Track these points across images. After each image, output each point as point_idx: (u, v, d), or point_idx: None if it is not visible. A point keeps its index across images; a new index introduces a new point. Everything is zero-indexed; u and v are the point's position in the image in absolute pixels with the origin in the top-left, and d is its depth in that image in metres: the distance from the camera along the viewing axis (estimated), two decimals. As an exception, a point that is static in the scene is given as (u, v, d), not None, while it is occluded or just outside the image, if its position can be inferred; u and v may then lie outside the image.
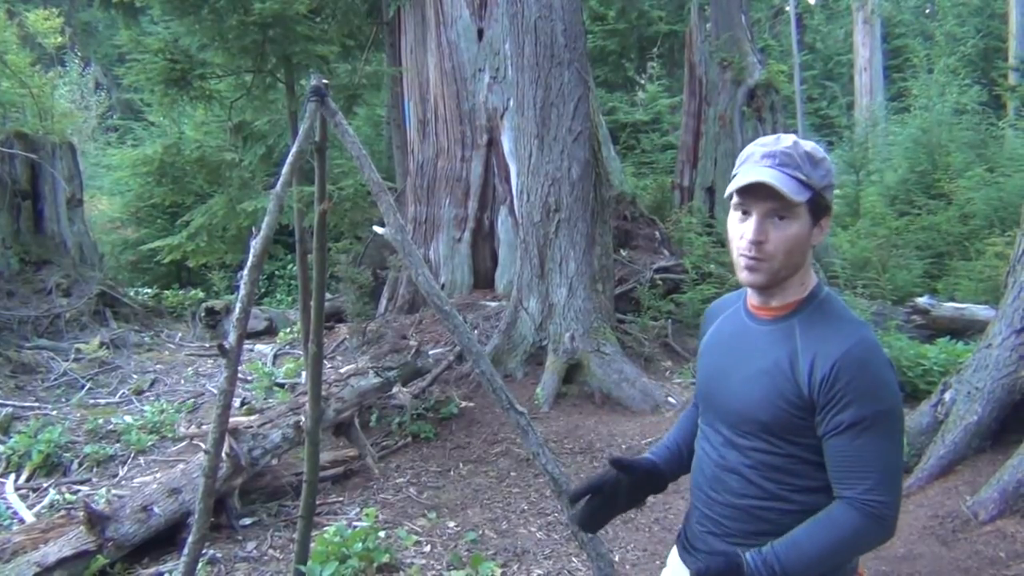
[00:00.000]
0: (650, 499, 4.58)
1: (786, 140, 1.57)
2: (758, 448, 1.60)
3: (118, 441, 5.88)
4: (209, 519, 2.81)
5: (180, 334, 9.75)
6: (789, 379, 1.54)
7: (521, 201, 7.12)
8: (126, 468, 5.52)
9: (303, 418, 4.20)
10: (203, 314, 9.68)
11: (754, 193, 1.54)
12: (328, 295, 8.30)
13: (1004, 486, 3.76)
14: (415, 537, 4.09)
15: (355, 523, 4.20)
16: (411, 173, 9.36)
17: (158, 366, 8.18)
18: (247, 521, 4.34)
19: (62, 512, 4.38)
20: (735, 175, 1.59)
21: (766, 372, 1.58)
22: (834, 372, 1.48)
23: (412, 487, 4.90)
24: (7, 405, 6.50)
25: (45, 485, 5.20)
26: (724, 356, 1.72)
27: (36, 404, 6.77)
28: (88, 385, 7.36)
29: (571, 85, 6.61)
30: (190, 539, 2.75)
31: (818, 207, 1.55)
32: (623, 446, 5.34)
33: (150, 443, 5.87)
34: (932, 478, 4.20)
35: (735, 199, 1.58)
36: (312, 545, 3.41)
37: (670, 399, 6.08)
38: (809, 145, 1.57)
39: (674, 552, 1.86)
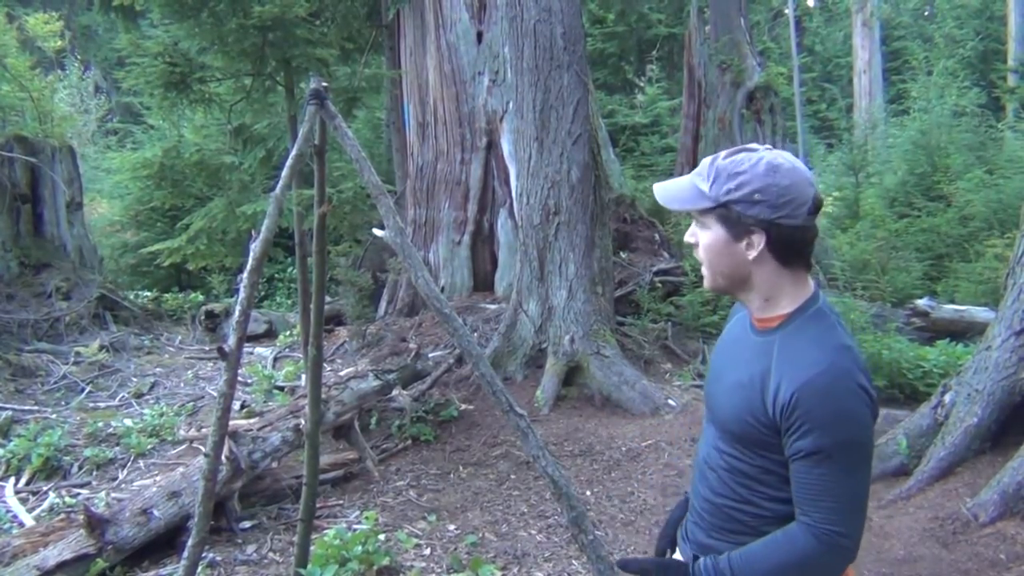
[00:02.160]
0: (649, 501, 4.57)
1: (724, 152, 1.60)
2: (732, 455, 1.63)
3: (118, 444, 5.88)
4: (209, 522, 2.81)
5: (180, 337, 9.75)
6: (758, 397, 1.53)
7: (520, 204, 7.12)
8: (126, 471, 5.52)
9: (303, 421, 4.21)
10: (203, 317, 9.68)
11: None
12: (328, 298, 8.29)
13: (1004, 488, 3.77)
14: (415, 540, 4.09)
15: (355, 526, 4.20)
16: (410, 176, 9.37)
17: (158, 369, 8.19)
18: (247, 524, 4.34)
19: (62, 515, 4.37)
20: None
21: (743, 386, 1.58)
22: (794, 399, 1.45)
23: (412, 490, 4.89)
24: (7, 408, 6.50)
25: (45, 488, 5.20)
26: (723, 360, 1.74)
27: (36, 407, 6.77)
28: (88, 388, 7.36)
29: (570, 88, 6.61)
30: (190, 542, 2.75)
31: (730, 221, 1.54)
32: (623, 448, 5.34)
33: (150, 446, 5.87)
34: (932, 480, 4.20)
35: None
36: (312, 548, 3.41)
37: (670, 401, 6.08)
38: (733, 158, 1.55)
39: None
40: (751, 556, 1.55)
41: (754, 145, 1.58)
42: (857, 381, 1.46)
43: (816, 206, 1.52)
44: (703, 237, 1.59)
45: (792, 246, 1.53)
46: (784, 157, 1.54)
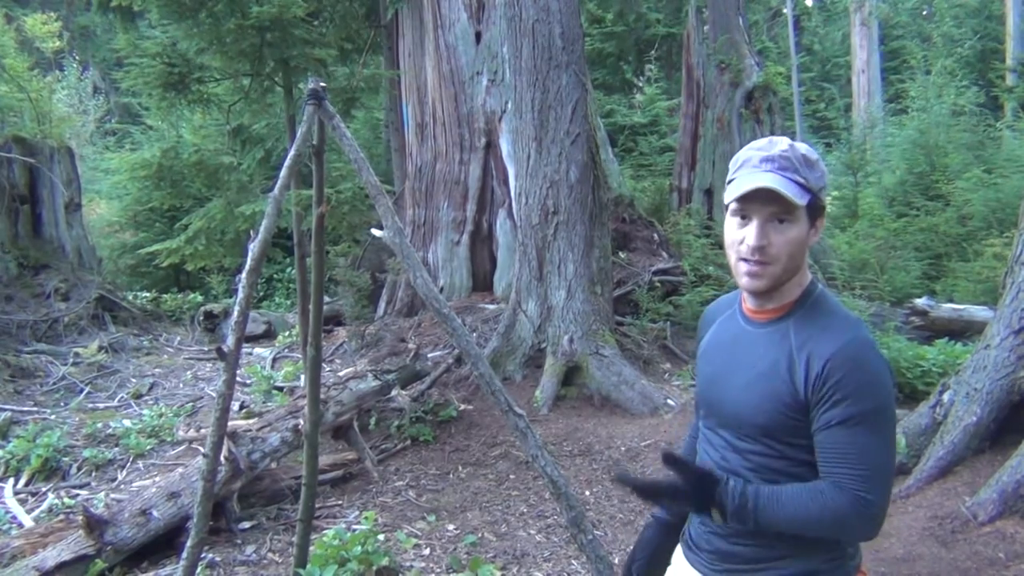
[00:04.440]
0: (649, 501, 4.54)
1: (781, 143, 1.56)
2: (758, 451, 1.60)
3: (117, 445, 5.88)
4: (208, 523, 2.81)
5: (179, 338, 9.75)
6: (786, 381, 1.54)
7: (519, 204, 7.12)
8: (125, 472, 5.52)
9: (302, 421, 4.21)
10: (202, 318, 9.68)
11: (756, 198, 1.53)
12: (327, 298, 8.29)
13: (1003, 487, 3.76)
14: (414, 540, 4.09)
15: (354, 526, 4.20)
16: (409, 176, 9.37)
17: (157, 370, 8.18)
18: (246, 525, 4.34)
19: (61, 516, 4.38)
20: (732, 180, 1.59)
21: (764, 376, 1.58)
22: (826, 370, 1.48)
23: (411, 490, 4.89)
24: (6, 409, 6.50)
25: (44, 489, 5.20)
26: (723, 361, 1.72)
27: (35, 408, 6.77)
28: (87, 389, 7.35)
29: (569, 88, 6.61)
30: (189, 543, 2.75)
31: (814, 208, 1.56)
32: (622, 448, 5.34)
33: (149, 447, 5.87)
34: (931, 479, 4.20)
35: (734, 205, 1.58)
36: (311, 548, 3.41)
37: (669, 401, 6.08)
38: (803, 147, 1.57)
39: (679, 551, 1.87)
40: (778, 496, 1.53)
41: (759, 141, 1.60)
42: (878, 349, 1.53)
43: None
44: (787, 232, 1.54)
45: None
46: None
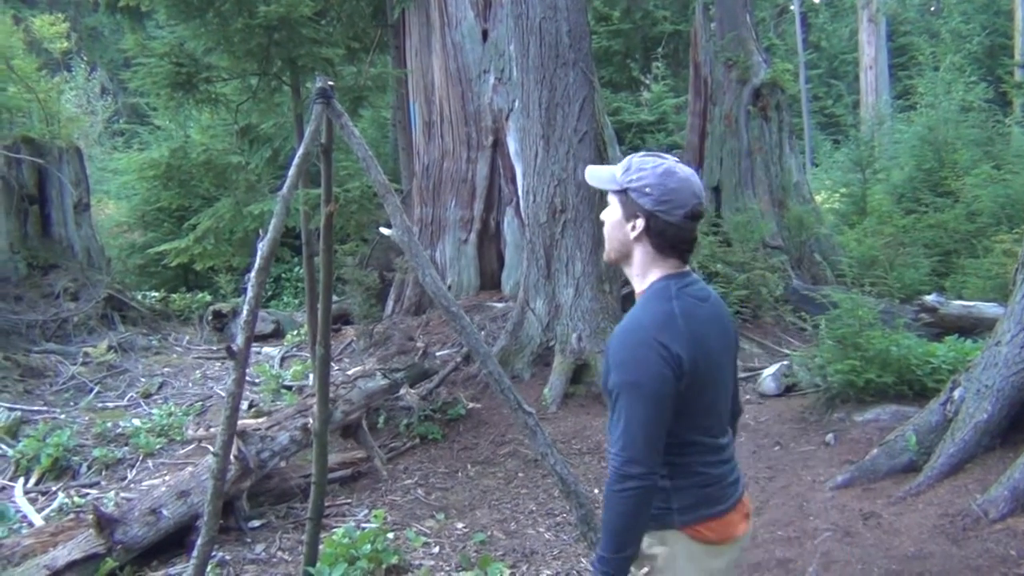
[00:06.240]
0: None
1: (650, 154, 1.95)
2: None
3: (126, 444, 5.91)
4: (218, 521, 2.81)
5: (188, 337, 9.78)
6: None
7: (527, 202, 7.11)
8: (135, 471, 5.53)
9: (311, 420, 4.22)
10: (210, 317, 9.70)
11: None
12: (335, 297, 8.30)
13: (1015, 484, 3.74)
14: (424, 538, 4.10)
15: (364, 525, 4.20)
16: (417, 175, 9.37)
17: (166, 369, 8.21)
18: (256, 523, 4.35)
19: (71, 515, 4.39)
20: None
21: None
22: (606, 346, 1.88)
23: (420, 488, 4.90)
24: (16, 409, 6.52)
25: (54, 488, 5.22)
26: None
27: (45, 408, 6.80)
28: (96, 389, 7.38)
29: (576, 85, 6.60)
30: (199, 541, 2.76)
31: (625, 204, 1.89)
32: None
33: (158, 446, 5.89)
34: (942, 476, 4.18)
35: None
36: (321, 547, 3.42)
37: (677, 399, 6.06)
38: (644, 158, 1.90)
39: None
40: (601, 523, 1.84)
41: (667, 156, 1.92)
42: (653, 335, 1.77)
43: (694, 213, 1.85)
44: (608, 215, 1.94)
45: (665, 237, 1.86)
46: (684, 169, 1.88)
